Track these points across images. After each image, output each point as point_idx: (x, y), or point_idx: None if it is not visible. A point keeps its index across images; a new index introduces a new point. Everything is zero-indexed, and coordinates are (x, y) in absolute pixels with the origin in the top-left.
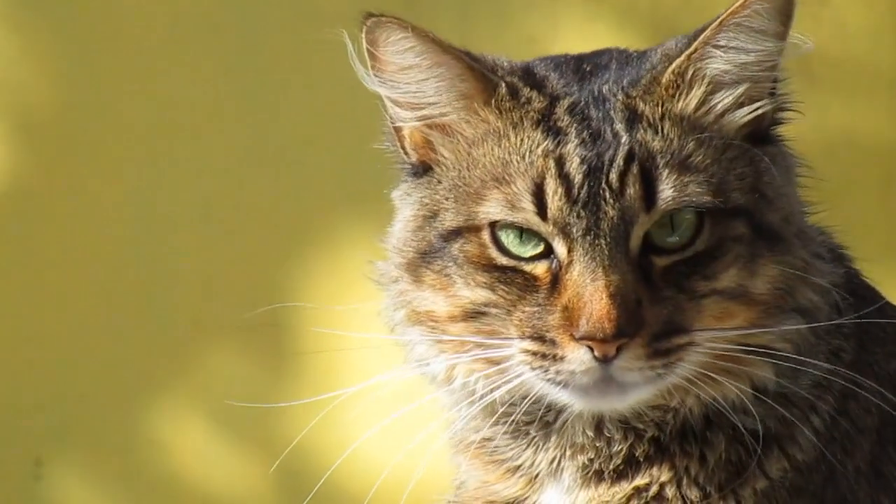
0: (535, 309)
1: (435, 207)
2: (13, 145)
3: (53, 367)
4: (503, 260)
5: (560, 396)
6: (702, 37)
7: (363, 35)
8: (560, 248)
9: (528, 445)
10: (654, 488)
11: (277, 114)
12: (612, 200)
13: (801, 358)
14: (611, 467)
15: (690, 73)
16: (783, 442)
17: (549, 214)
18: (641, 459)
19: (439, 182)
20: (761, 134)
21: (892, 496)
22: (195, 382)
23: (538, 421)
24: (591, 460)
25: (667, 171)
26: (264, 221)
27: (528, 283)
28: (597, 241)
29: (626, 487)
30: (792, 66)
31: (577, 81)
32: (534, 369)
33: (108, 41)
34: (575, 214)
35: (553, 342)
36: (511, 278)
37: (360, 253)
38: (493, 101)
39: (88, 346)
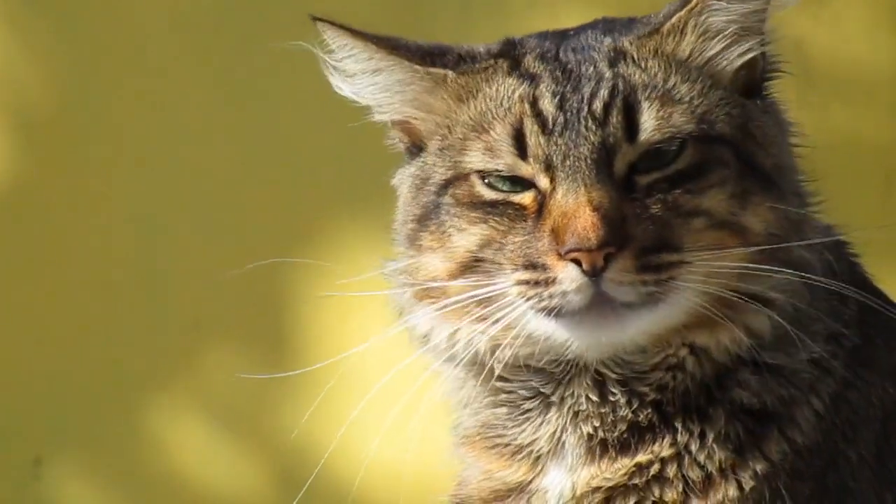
0: (525, 238)
1: (426, 175)
2: (13, 145)
3: (53, 367)
4: (492, 195)
5: (557, 332)
6: None
7: (319, 48)
8: (543, 181)
9: (528, 422)
10: (656, 466)
11: (278, 114)
12: (594, 128)
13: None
14: (615, 435)
15: (690, 25)
16: (783, 423)
17: (529, 152)
18: (645, 425)
19: (427, 154)
20: (753, 86)
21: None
22: (195, 382)
23: (536, 395)
24: (595, 429)
25: (648, 102)
26: (264, 221)
27: (517, 213)
28: (577, 163)
29: (627, 464)
30: (792, 66)
31: (556, 39)
32: (529, 299)
33: (108, 41)
34: (553, 143)
35: (544, 266)
36: (501, 210)
37: (361, 252)
38: (447, 85)
39: (88, 346)
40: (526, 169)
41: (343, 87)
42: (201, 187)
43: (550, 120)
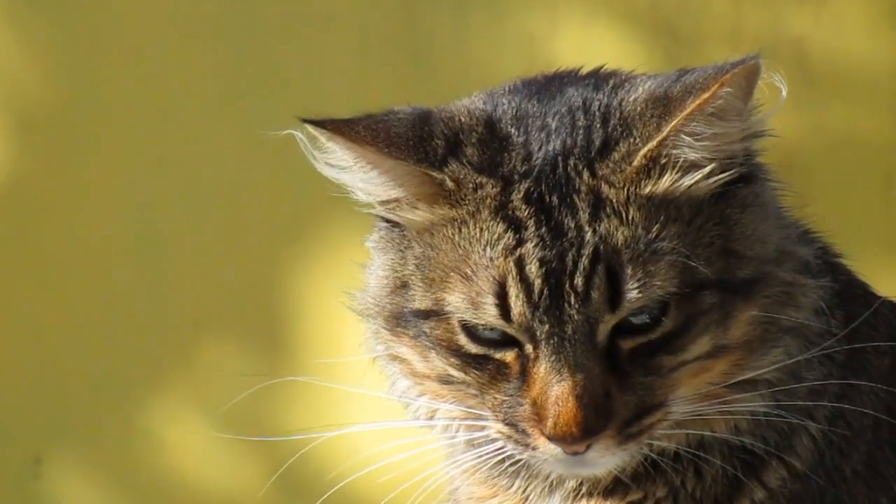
0: (507, 398)
1: (405, 280)
2: (12, 144)
3: (53, 366)
4: (473, 348)
5: (536, 462)
6: (672, 125)
7: (305, 140)
8: (527, 345)
9: (518, 477)
10: (650, 502)
11: (278, 114)
12: (576, 305)
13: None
14: (600, 489)
15: (663, 159)
16: (781, 452)
17: (513, 317)
18: (632, 478)
19: (408, 248)
20: (736, 178)
21: (889, 496)
22: (195, 382)
23: (524, 465)
24: (580, 484)
25: (631, 267)
26: (264, 221)
27: (499, 370)
28: (562, 344)
29: (619, 502)
30: (791, 66)
31: (539, 145)
32: (509, 445)
33: (108, 41)
34: (538, 320)
35: (525, 433)
36: (482, 364)
37: (361, 253)
38: (440, 198)
39: (88, 346)
40: (509, 329)
41: (329, 173)
42: (201, 187)
43: (536, 292)
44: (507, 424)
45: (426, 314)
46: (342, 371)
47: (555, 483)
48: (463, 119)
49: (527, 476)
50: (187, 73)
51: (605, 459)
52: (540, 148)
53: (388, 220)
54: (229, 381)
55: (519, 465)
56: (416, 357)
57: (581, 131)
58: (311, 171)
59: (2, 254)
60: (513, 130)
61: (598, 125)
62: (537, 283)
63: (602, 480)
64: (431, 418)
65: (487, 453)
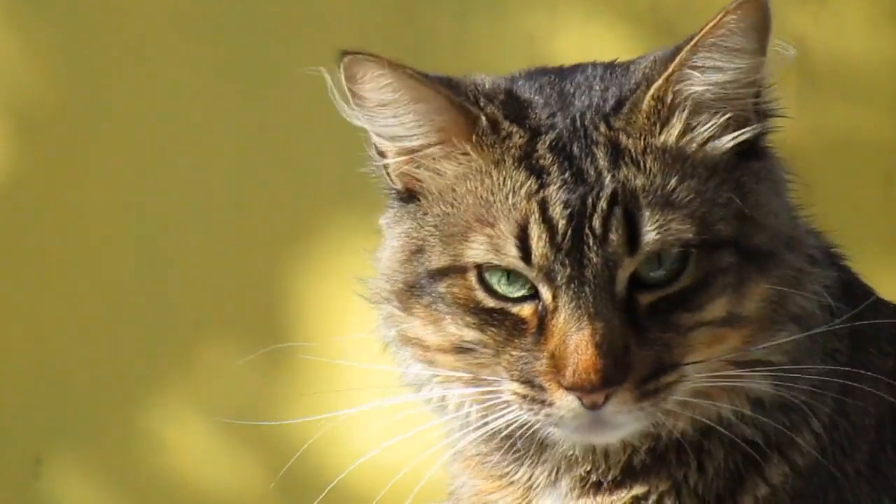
0: (523, 353)
1: (421, 243)
2: (12, 144)
3: (53, 366)
4: (490, 302)
5: (551, 432)
6: (678, 58)
7: (341, 72)
8: (545, 292)
9: (525, 463)
10: (654, 497)
11: (278, 114)
12: (595, 247)
13: (799, 367)
14: (609, 478)
15: (670, 97)
16: (783, 447)
17: (534, 260)
18: (639, 469)
19: (425, 214)
20: (747, 150)
21: (892, 496)
22: (195, 382)
23: (534, 443)
24: (588, 472)
25: (649, 211)
26: (264, 221)
27: (515, 326)
28: (581, 289)
29: (624, 496)
30: (792, 66)
31: (560, 107)
32: (523, 409)
33: (108, 41)
34: (559, 262)
35: (542, 387)
36: (499, 320)
37: (361, 253)
38: (473, 136)
39: (88, 346)
40: (529, 273)
41: (359, 117)
42: (201, 187)
43: (560, 233)
44: (522, 382)
45: (443, 272)
46: (342, 372)
47: (562, 469)
48: (487, 84)
49: (533, 462)
50: (187, 73)
51: (622, 418)
52: (561, 109)
53: (402, 194)
54: (229, 381)
55: (527, 446)
56: (429, 329)
57: (598, 93)
58: (311, 170)
59: (2, 254)
60: (535, 97)
61: (614, 87)
62: (561, 223)
63: (611, 468)
64: (443, 399)
65: (500, 425)
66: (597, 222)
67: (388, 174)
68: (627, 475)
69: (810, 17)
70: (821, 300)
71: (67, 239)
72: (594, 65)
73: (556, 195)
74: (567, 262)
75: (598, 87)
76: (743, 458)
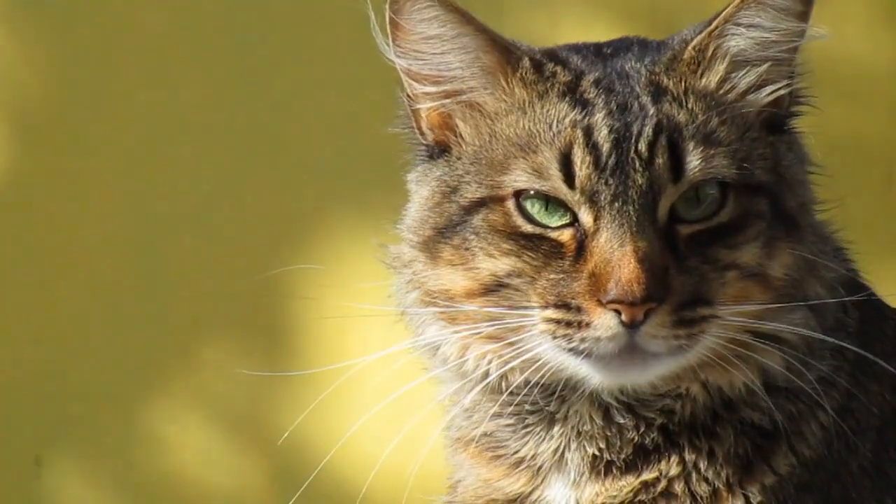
0: (560, 276)
1: (454, 183)
2: (12, 145)
3: (53, 366)
4: (528, 227)
5: (580, 368)
6: (723, 14)
7: (387, 4)
8: (586, 216)
9: (531, 436)
10: (663, 483)
11: (278, 113)
12: (641, 169)
13: (810, 356)
14: (622, 457)
15: (711, 49)
16: (791, 437)
17: (577, 182)
18: (651, 448)
19: (458, 159)
20: (778, 122)
21: (894, 496)
22: (195, 382)
23: (541, 411)
24: (601, 450)
25: (693, 143)
26: (264, 221)
27: (553, 251)
28: (625, 208)
29: (633, 482)
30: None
31: (600, 61)
32: (556, 338)
33: (108, 41)
34: (603, 182)
35: (578, 309)
36: (536, 245)
37: (361, 253)
38: (517, 74)
39: (88, 346)
40: (571, 196)
41: (400, 56)
42: (200, 186)
43: (604, 156)
44: (557, 307)
45: (480, 203)
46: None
47: (572, 446)
48: (525, 46)
49: (539, 438)
50: (187, 73)
51: (658, 345)
52: (603, 64)
53: (432, 148)
54: (229, 381)
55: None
56: (458, 273)
57: (636, 55)
58: (311, 170)
59: (2, 254)
60: (572, 56)
61: (654, 48)
62: (605, 146)
63: (623, 447)
64: (462, 359)
65: (520, 381)
66: (643, 146)
67: (419, 128)
68: (639, 455)
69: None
70: (834, 293)
71: (67, 239)
72: (629, 37)
73: (602, 122)
74: (611, 181)
75: (636, 49)
76: (752, 444)
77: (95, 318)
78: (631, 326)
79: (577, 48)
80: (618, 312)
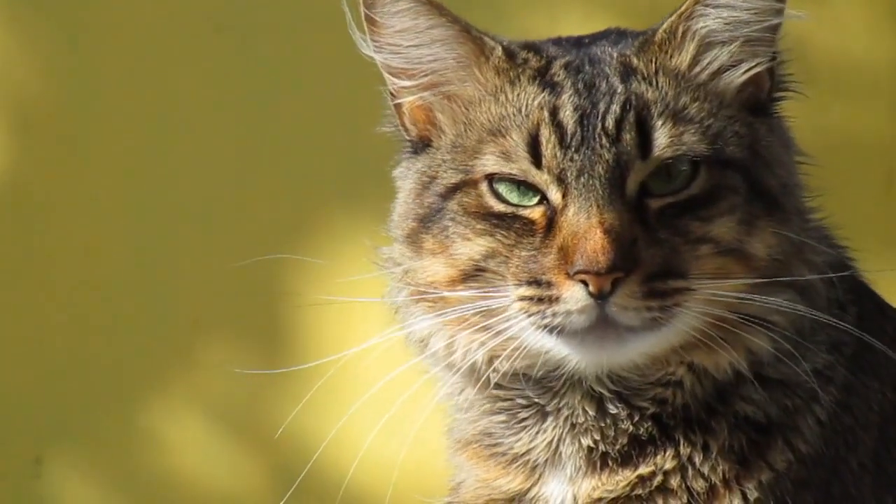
0: (532, 253)
1: (433, 172)
2: (12, 144)
3: (53, 366)
4: (500, 207)
5: (559, 349)
6: None
7: (361, 0)
8: (555, 194)
9: (524, 431)
10: (659, 478)
11: (277, 113)
12: (608, 145)
13: (801, 341)
14: (616, 448)
15: (681, 30)
16: (787, 432)
17: (544, 162)
18: (645, 439)
19: (438, 150)
20: (760, 104)
21: (895, 494)
22: (195, 381)
23: (533, 405)
24: (596, 442)
25: (661, 119)
26: (262, 219)
27: (524, 228)
28: (591, 182)
29: (629, 476)
30: (792, 66)
31: (575, 49)
32: (530, 315)
33: (108, 41)
34: (569, 158)
35: (549, 283)
36: (509, 224)
37: (360, 253)
38: (490, 62)
39: (88, 346)
40: (539, 177)
41: (377, 52)
42: (200, 185)
43: (569, 134)
44: (530, 284)
45: (455, 188)
46: (338, 367)
47: (566, 440)
48: (499, 37)
49: (534, 432)
50: (187, 73)
51: (630, 317)
52: (577, 50)
53: (416, 144)
54: (229, 381)
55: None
56: (440, 261)
57: (613, 39)
58: (311, 170)
59: (2, 254)
60: (549, 46)
61: (631, 35)
62: (570, 124)
63: (618, 437)
64: (451, 352)
65: (506, 365)
66: (610, 122)
67: (403, 125)
68: (634, 447)
69: (810, 18)
70: (825, 282)
71: (67, 238)
72: (609, 28)
73: (567, 101)
74: (577, 157)
75: (612, 37)
76: (747, 439)
77: (94, 317)
78: (599, 297)
79: (557, 41)
80: (585, 284)
